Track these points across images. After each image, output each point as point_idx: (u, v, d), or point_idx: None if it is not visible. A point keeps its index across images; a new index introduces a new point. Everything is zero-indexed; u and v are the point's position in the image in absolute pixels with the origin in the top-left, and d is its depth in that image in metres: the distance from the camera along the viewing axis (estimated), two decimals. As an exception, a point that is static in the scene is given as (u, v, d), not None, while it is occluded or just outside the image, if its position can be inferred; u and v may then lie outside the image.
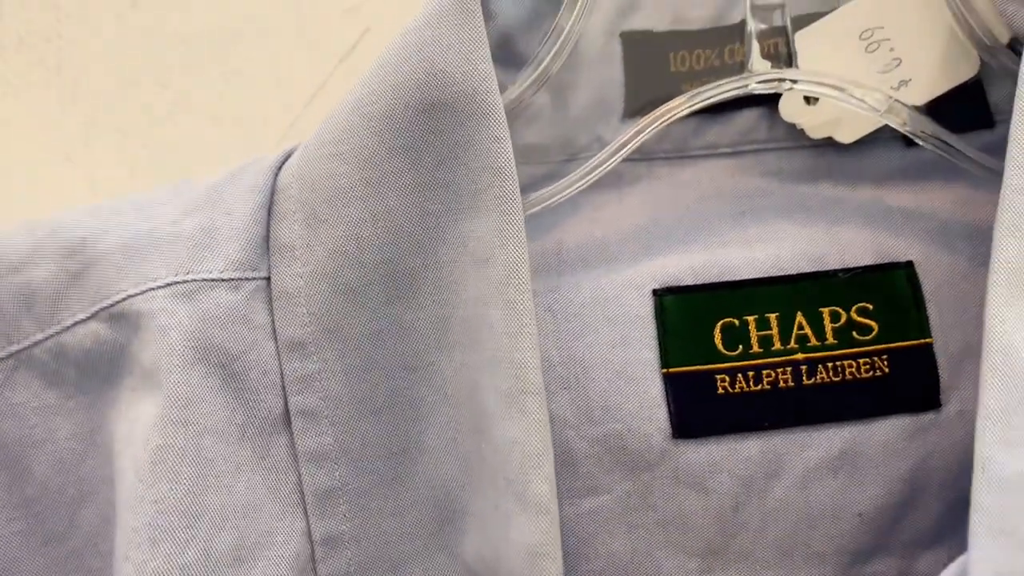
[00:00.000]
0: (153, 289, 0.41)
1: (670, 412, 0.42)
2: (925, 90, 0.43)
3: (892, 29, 0.43)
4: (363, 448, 0.40)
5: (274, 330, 0.41)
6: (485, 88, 0.39)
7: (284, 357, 0.41)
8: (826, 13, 0.44)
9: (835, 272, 0.42)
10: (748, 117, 0.46)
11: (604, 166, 0.42)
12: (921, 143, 0.41)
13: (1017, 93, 0.37)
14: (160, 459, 0.39)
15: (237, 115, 0.57)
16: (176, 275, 0.41)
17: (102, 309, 0.41)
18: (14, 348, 0.42)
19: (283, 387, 0.41)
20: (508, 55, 0.43)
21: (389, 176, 0.40)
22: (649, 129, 0.41)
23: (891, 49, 0.43)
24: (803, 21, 0.44)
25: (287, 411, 0.41)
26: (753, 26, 0.41)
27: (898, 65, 0.43)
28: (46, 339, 0.41)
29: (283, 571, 0.40)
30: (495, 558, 0.39)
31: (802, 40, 0.43)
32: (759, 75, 0.41)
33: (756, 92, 0.41)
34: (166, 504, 0.39)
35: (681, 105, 0.41)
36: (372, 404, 0.40)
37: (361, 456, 0.40)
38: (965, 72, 0.43)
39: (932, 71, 0.43)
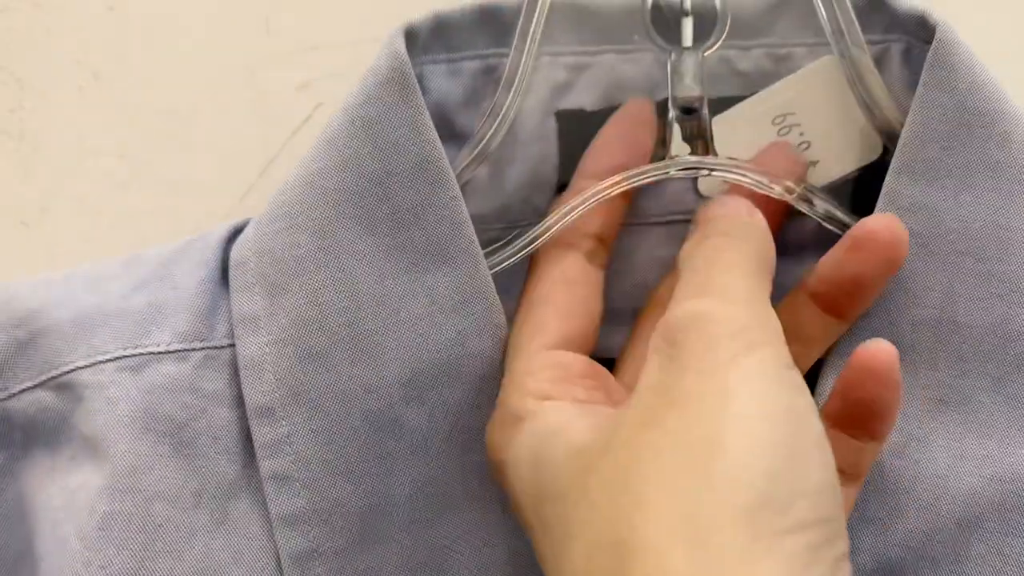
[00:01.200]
0: (102, 362, 0.42)
1: None
2: (832, 170, 0.46)
3: (803, 115, 0.46)
4: (336, 508, 0.42)
5: (230, 397, 0.43)
6: (435, 155, 0.42)
7: (253, 423, 0.42)
8: (744, 98, 0.46)
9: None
10: (676, 189, 0.48)
11: (545, 236, 0.43)
12: (826, 225, 0.43)
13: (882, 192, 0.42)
14: (107, 525, 0.41)
15: (193, 185, 0.58)
16: (124, 349, 0.43)
17: (50, 379, 0.43)
18: None
19: (238, 452, 0.43)
20: (445, 131, 0.45)
21: (346, 244, 0.42)
22: (585, 205, 0.43)
23: (801, 133, 0.46)
24: (723, 104, 0.46)
25: (243, 476, 0.42)
26: (673, 114, 0.43)
27: (807, 148, 0.46)
28: None
29: None
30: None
31: (720, 124, 0.45)
32: (679, 163, 0.43)
33: (676, 178, 0.44)
34: (113, 569, 0.41)
35: (612, 187, 0.43)
36: (342, 464, 0.42)
37: (334, 516, 0.42)
38: (868, 155, 0.46)
39: (838, 154, 0.46)
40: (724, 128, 0.45)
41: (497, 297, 0.42)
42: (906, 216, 0.41)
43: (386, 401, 0.42)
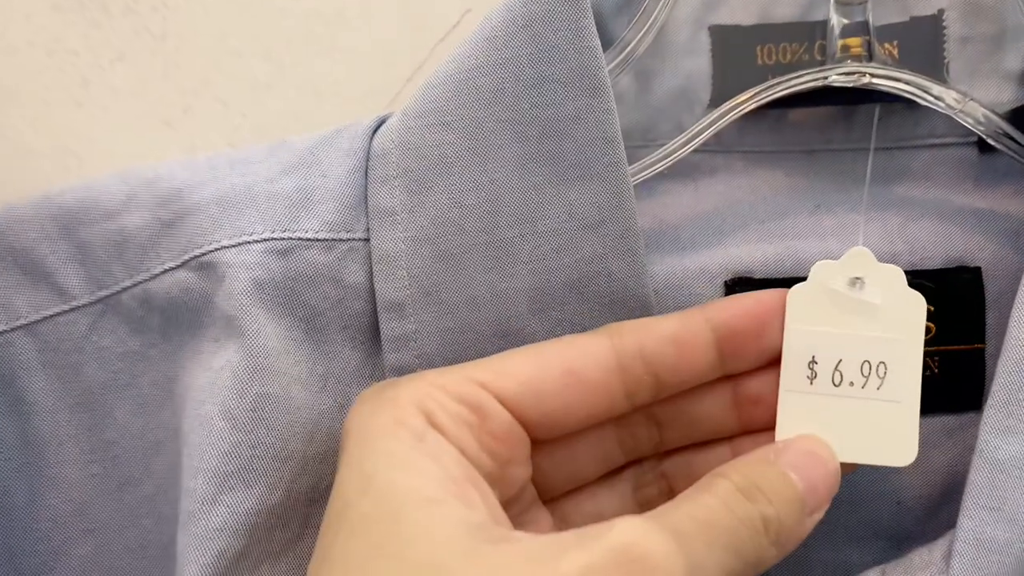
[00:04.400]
0: (248, 243, 0.42)
1: None
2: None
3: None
4: None
5: (365, 289, 0.43)
6: (595, 64, 0.41)
7: (382, 317, 0.42)
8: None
9: (905, 272, 0.43)
10: (825, 118, 0.46)
11: (678, 153, 0.43)
12: (993, 143, 0.42)
13: None
14: (260, 406, 0.41)
15: (337, 90, 0.58)
16: (273, 232, 0.43)
17: (193, 258, 0.43)
18: (103, 293, 0.43)
19: (364, 342, 0.43)
20: (600, 39, 0.44)
21: (495, 148, 0.41)
22: (725, 118, 0.42)
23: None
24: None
25: (366, 365, 0.43)
26: (836, 20, 0.42)
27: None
28: (134, 285, 0.43)
29: None
30: None
31: None
32: (838, 67, 0.41)
33: (835, 84, 0.42)
34: (262, 449, 0.41)
35: (758, 95, 0.42)
36: None
37: None
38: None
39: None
40: None
41: (636, 220, 0.41)
42: None
43: (513, 310, 0.41)
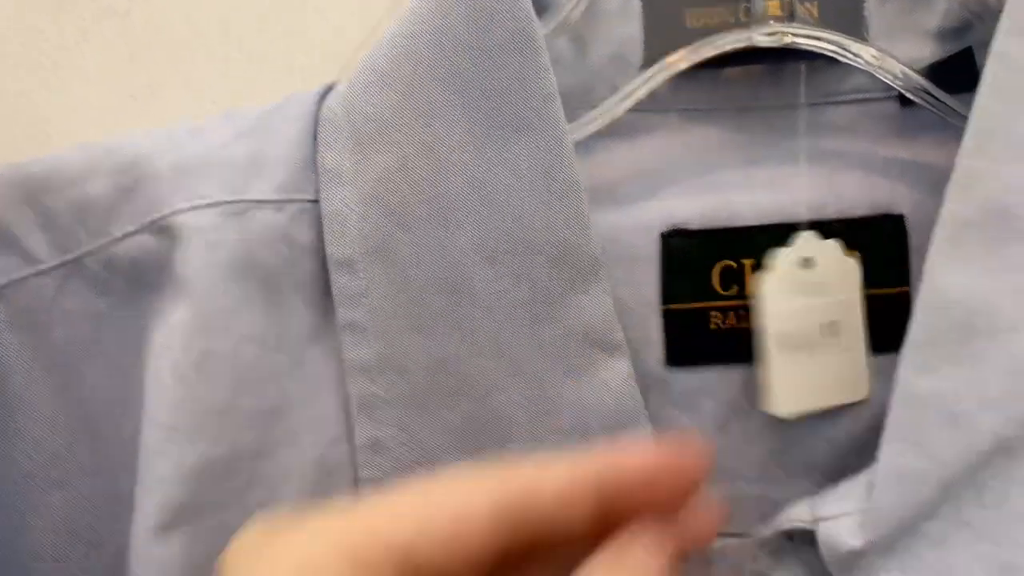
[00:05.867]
0: (203, 207, 0.44)
1: (666, 344, 0.45)
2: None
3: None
4: (405, 359, 0.43)
5: (317, 249, 0.44)
6: (531, 28, 0.43)
7: (333, 274, 0.44)
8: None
9: (831, 222, 0.45)
10: (755, 77, 0.48)
11: (613, 111, 0.45)
12: (912, 97, 0.44)
13: (989, 56, 0.41)
14: (203, 362, 0.43)
15: (298, 66, 0.60)
16: (226, 195, 0.45)
17: (152, 222, 0.44)
18: (68, 257, 0.45)
19: (318, 302, 0.45)
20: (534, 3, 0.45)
21: (437, 107, 0.43)
22: (656, 78, 0.44)
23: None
24: None
25: (321, 326, 0.45)
26: (758, -25, 0.44)
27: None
28: (97, 249, 0.45)
29: (305, 470, 0.44)
30: (569, 431, 0.43)
31: None
32: (761, 28, 0.43)
33: (759, 44, 0.44)
34: (205, 404, 0.43)
35: (686, 56, 0.44)
36: (413, 319, 0.43)
37: (404, 368, 0.43)
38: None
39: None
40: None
41: (577, 173, 0.43)
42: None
43: (460, 264, 0.43)
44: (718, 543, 0.43)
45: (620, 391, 0.43)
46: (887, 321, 0.45)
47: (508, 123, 0.43)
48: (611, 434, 0.43)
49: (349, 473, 0.44)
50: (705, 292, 0.45)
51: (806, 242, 0.45)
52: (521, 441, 0.43)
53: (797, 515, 0.42)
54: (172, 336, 0.43)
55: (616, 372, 0.43)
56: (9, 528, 0.46)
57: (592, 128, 0.45)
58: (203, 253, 0.44)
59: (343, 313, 0.44)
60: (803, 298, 0.44)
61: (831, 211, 0.45)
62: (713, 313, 0.45)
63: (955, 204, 0.40)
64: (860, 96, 0.47)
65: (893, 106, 0.47)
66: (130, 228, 0.45)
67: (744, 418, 0.45)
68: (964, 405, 0.40)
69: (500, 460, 0.36)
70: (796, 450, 0.46)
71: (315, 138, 0.45)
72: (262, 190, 0.45)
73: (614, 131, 0.46)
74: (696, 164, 0.47)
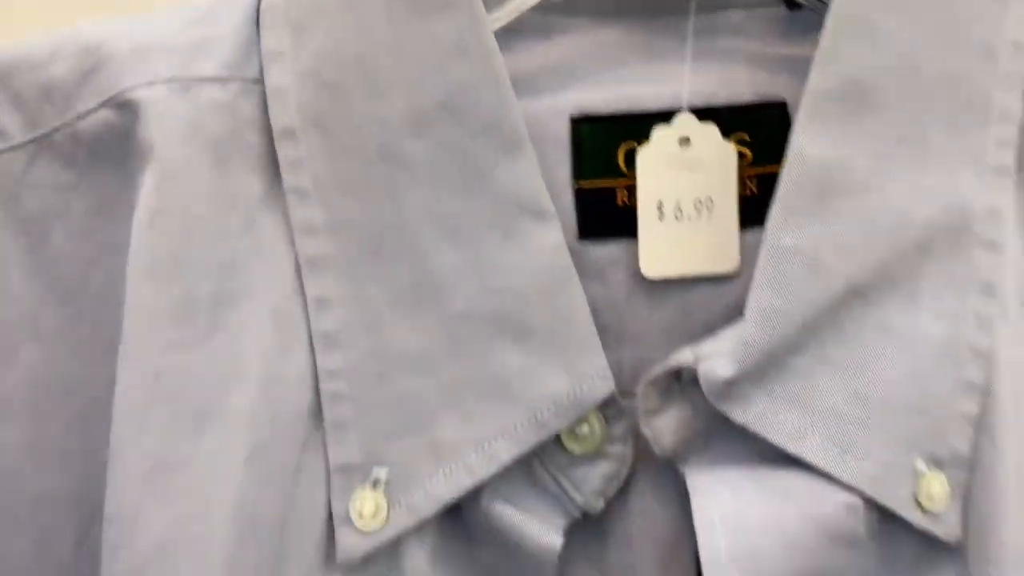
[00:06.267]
0: (156, 83, 0.49)
1: (578, 218, 0.50)
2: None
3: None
4: (347, 222, 0.48)
5: (262, 123, 0.49)
6: None
7: (278, 143, 0.49)
8: None
9: (719, 108, 0.50)
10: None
11: (520, 6, 0.49)
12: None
13: None
14: (157, 215, 0.48)
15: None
16: (176, 72, 0.49)
17: (111, 98, 0.49)
18: (37, 133, 0.50)
19: (265, 171, 0.49)
20: None
21: None
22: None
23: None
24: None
25: (269, 193, 0.49)
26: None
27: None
28: (63, 125, 0.50)
29: (263, 320, 0.48)
30: (503, 291, 0.47)
31: None
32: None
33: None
34: (159, 251, 0.47)
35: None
36: (351, 185, 0.47)
37: (346, 230, 0.47)
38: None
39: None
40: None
41: (496, 46, 0.47)
42: None
43: (391, 133, 0.47)
44: (624, 402, 0.48)
45: (552, 254, 0.47)
46: (766, 197, 0.49)
47: (429, 4, 0.47)
48: (544, 295, 0.47)
49: (303, 324, 0.48)
50: (611, 171, 0.50)
51: (683, 123, 0.50)
52: (459, 300, 0.47)
53: (681, 357, 0.47)
54: (137, 196, 0.48)
55: (547, 238, 0.47)
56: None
57: (505, 21, 0.49)
58: (157, 123, 0.48)
59: (288, 179, 0.48)
60: (677, 172, 0.50)
61: (722, 99, 0.50)
62: (619, 191, 0.50)
63: (817, 79, 0.46)
64: (751, 1, 0.52)
65: (781, 11, 0.52)
66: (92, 105, 0.50)
67: (648, 287, 0.50)
68: (822, 255, 0.46)
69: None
70: (695, 317, 0.50)
71: (257, 23, 0.50)
72: (208, 68, 0.50)
73: (531, 30, 0.51)
74: (604, 60, 0.52)
